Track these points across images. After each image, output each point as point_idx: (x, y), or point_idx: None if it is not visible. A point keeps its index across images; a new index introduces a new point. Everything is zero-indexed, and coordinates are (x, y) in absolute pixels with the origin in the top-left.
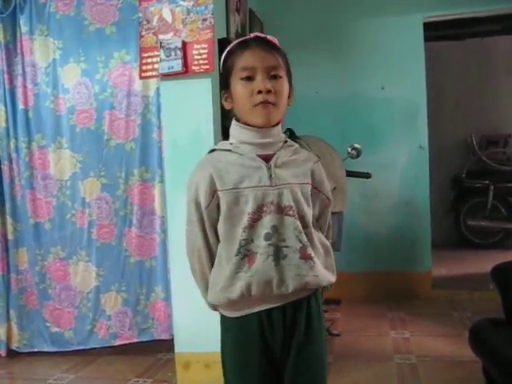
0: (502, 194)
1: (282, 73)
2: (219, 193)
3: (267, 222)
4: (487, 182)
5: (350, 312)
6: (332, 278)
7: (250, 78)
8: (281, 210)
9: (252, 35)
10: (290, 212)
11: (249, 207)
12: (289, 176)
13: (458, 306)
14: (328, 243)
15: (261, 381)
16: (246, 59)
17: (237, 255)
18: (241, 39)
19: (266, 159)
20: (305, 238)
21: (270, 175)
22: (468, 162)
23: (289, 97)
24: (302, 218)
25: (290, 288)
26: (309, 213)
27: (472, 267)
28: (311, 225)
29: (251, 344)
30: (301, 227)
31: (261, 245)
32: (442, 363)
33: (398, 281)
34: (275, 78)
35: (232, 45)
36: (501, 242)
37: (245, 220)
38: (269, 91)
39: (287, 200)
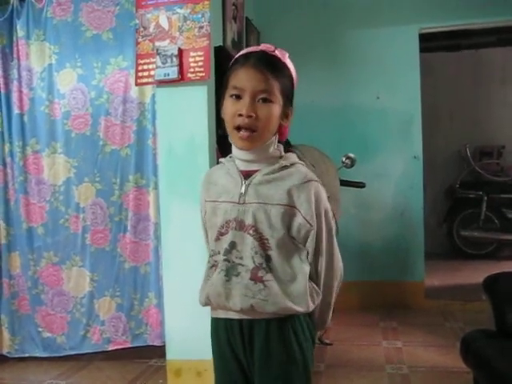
0: (496, 205)
1: (273, 97)
2: (205, 203)
3: (228, 237)
4: (481, 192)
5: (343, 321)
6: (295, 307)
7: (238, 97)
8: (242, 228)
9: (260, 48)
10: (251, 231)
11: (219, 221)
12: (261, 195)
13: (450, 316)
14: (306, 270)
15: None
16: (238, 78)
17: (208, 263)
18: (248, 50)
19: (250, 175)
20: (260, 260)
21: (241, 192)
22: (462, 172)
23: (287, 116)
24: (264, 239)
25: (238, 306)
26: (275, 235)
27: (465, 278)
28: (279, 247)
29: (222, 345)
30: (258, 248)
31: (221, 259)
32: (433, 374)
33: (391, 290)
34: (264, 101)
35: (240, 54)
36: (494, 252)
37: (215, 232)
38: (250, 116)
39: (250, 219)
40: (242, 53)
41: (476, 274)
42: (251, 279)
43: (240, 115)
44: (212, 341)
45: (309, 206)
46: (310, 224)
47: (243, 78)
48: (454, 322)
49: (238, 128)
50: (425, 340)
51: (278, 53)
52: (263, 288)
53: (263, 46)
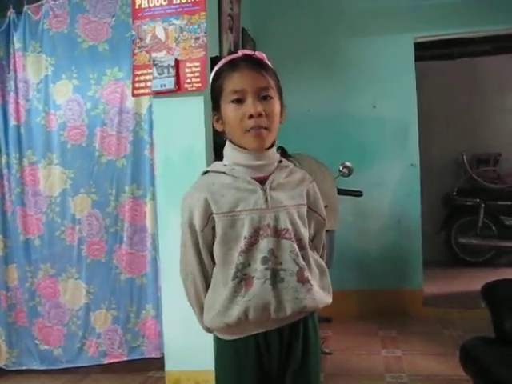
0: (493, 212)
1: (273, 93)
2: (215, 216)
3: (264, 245)
4: (478, 200)
5: (342, 330)
6: (328, 300)
7: (240, 101)
8: (277, 233)
9: (240, 53)
10: (287, 235)
11: (245, 231)
12: (285, 198)
13: (449, 324)
14: (323, 263)
15: None
16: (235, 81)
17: (233, 279)
18: (229, 58)
19: (261, 181)
20: (302, 261)
21: (266, 198)
22: (459, 180)
23: (281, 115)
24: (298, 241)
25: (288, 312)
26: (305, 234)
27: (463, 285)
28: (308, 246)
29: (247, 367)
30: (298, 250)
31: (258, 269)
32: (433, 382)
33: (390, 299)
34: (266, 99)
35: (220, 64)
36: (492, 260)
37: (241, 244)
38: (260, 115)
39: (284, 223)
40: (223, 61)
41: (474, 281)
42: (299, 281)
43: (250, 116)
44: (227, 363)
45: (319, 203)
46: (323, 218)
47: (241, 81)
48: (453, 330)
49: (250, 130)
50: (424, 348)
51: (258, 55)
52: (311, 287)
53: (243, 51)
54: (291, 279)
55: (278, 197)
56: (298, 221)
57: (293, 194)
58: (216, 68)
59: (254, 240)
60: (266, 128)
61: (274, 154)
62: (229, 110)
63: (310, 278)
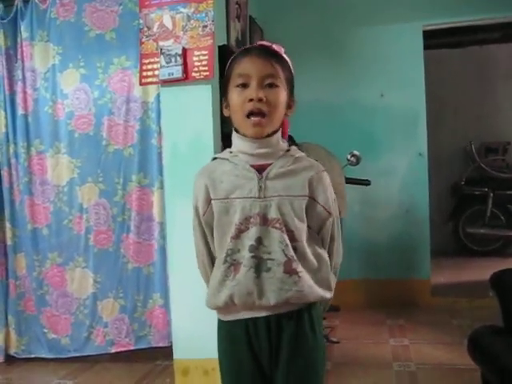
0: (502, 202)
1: (279, 82)
2: (212, 202)
3: (252, 233)
4: (486, 189)
5: (349, 319)
6: (324, 294)
7: (244, 86)
8: (266, 223)
9: (257, 44)
10: (277, 225)
11: (236, 218)
12: (280, 188)
13: (457, 313)
14: (325, 257)
15: None
16: (242, 66)
17: (224, 263)
18: (245, 47)
19: (262, 170)
20: (291, 252)
21: (260, 186)
22: (467, 169)
23: (290, 107)
24: (290, 232)
25: (272, 301)
26: (300, 226)
27: (471, 275)
28: (304, 238)
29: (240, 349)
30: (287, 240)
31: (246, 256)
32: (440, 371)
33: (397, 288)
34: (271, 86)
35: (236, 52)
36: (500, 249)
37: (232, 230)
38: (260, 100)
39: (274, 213)
40: (240, 50)
41: (482, 270)
42: (285, 272)
43: (250, 100)
44: (223, 345)
45: (326, 196)
46: (329, 212)
47: (248, 66)
48: (461, 319)
49: (249, 115)
50: (432, 337)
51: (275, 47)
52: (298, 279)
53: (260, 42)
54: (277, 269)
55: (273, 186)
56: (291, 212)
57: (291, 184)
58: (232, 56)
59: (245, 227)
60: (264, 114)
61: (277, 141)
62: (234, 94)
63: (298, 269)
